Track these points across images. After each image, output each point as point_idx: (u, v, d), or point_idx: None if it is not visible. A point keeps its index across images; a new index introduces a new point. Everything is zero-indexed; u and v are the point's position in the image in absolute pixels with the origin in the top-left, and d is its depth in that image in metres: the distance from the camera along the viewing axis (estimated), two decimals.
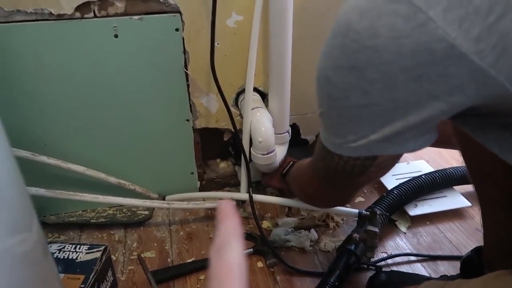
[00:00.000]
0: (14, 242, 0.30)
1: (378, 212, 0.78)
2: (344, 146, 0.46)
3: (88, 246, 0.71)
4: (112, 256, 0.80)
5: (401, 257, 0.81)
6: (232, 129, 0.87)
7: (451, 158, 1.10)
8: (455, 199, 0.93)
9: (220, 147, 0.99)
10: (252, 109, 0.83)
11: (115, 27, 0.77)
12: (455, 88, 0.36)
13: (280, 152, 0.87)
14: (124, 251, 0.84)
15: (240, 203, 0.92)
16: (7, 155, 0.32)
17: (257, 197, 0.86)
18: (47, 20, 0.74)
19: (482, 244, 0.68)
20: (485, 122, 0.41)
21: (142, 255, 0.82)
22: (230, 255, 0.21)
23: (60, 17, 0.74)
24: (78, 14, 0.75)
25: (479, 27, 0.33)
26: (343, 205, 0.81)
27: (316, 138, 0.99)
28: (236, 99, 0.91)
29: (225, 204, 0.24)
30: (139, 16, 0.77)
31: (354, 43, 0.37)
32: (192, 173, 0.97)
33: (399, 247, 0.84)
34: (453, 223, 0.90)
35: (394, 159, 0.53)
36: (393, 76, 0.37)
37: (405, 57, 0.36)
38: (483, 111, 0.39)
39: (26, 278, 0.32)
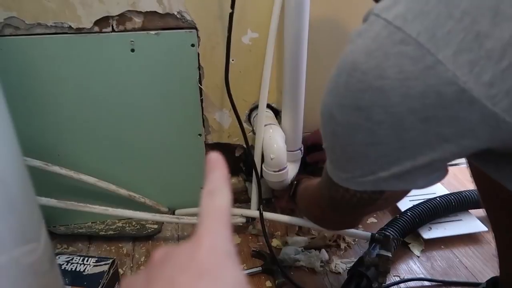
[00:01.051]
0: (22, 253, 0.30)
1: (391, 237, 0.76)
2: (350, 180, 0.44)
3: (96, 259, 0.70)
4: (120, 270, 0.80)
5: (415, 281, 0.79)
6: (244, 145, 0.86)
7: (466, 181, 1.07)
8: (471, 223, 0.91)
9: (231, 162, 0.98)
10: (265, 125, 0.83)
11: (132, 41, 0.78)
12: (466, 131, 0.35)
13: (292, 169, 0.87)
14: (131, 265, 0.84)
15: (250, 220, 0.91)
16: (19, 165, 0.32)
17: (268, 214, 0.85)
18: (66, 33, 0.76)
19: (498, 272, 0.66)
20: (499, 160, 0.39)
21: None
22: (221, 199, 0.23)
23: (79, 31, 0.76)
24: (96, 28, 0.76)
25: (491, 72, 0.32)
26: (350, 228, 0.80)
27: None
28: (249, 115, 0.91)
29: (214, 155, 0.25)
30: (156, 31, 0.78)
31: (359, 83, 0.36)
32: (202, 188, 0.96)
33: (412, 271, 0.81)
34: (469, 248, 0.87)
35: (402, 193, 0.51)
36: (401, 118, 0.36)
37: (413, 99, 0.34)
38: (497, 152, 0.38)
39: None
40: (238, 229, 0.92)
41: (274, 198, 0.96)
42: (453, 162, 0.51)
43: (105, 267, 0.68)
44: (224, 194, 0.23)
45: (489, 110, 0.33)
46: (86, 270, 0.68)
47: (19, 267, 0.29)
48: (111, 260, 0.70)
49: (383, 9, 0.36)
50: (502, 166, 0.40)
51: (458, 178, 1.09)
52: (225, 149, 0.94)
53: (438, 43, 0.33)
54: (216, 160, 0.25)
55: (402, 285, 0.78)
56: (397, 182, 0.41)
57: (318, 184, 0.57)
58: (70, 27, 0.75)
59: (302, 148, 0.90)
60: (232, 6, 0.72)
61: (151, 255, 0.22)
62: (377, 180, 0.42)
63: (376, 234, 0.78)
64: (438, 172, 0.42)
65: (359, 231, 0.83)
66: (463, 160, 0.62)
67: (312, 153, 0.91)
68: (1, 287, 0.27)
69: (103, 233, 0.91)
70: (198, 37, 0.80)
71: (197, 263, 0.19)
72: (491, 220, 0.64)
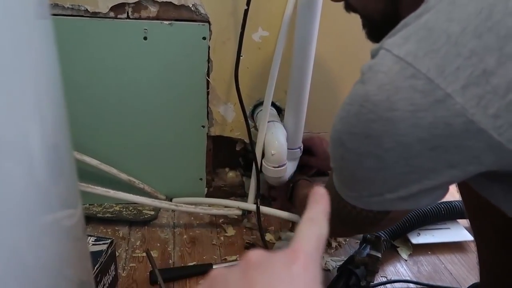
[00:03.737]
0: (64, 216, 0.32)
1: (382, 238, 0.79)
2: (358, 199, 0.47)
3: (95, 238, 0.72)
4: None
5: (401, 283, 0.82)
6: (246, 140, 0.88)
7: (456, 191, 1.10)
8: (458, 232, 0.94)
9: (231, 156, 1.00)
10: (268, 122, 0.85)
11: (146, 29, 0.80)
12: (472, 158, 0.38)
13: (290, 167, 0.89)
14: (127, 248, 0.85)
15: (245, 213, 0.93)
16: (67, 136, 0.35)
17: (264, 209, 0.87)
18: (82, 16, 0.77)
19: (479, 280, 0.69)
20: (489, 178, 0.42)
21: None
22: (320, 228, 0.25)
23: (94, 14, 0.77)
24: (112, 14, 0.78)
25: (497, 105, 0.35)
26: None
27: None
28: (253, 111, 0.93)
29: (321, 190, 0.27)
30: (169, 22, 0.80)
31: (370, 113, 0.39)
32: (201, 179, 0.98)
33: (399, 273, 0.84)
34: (455, 256, 0.90)
35: (405, 213, 0.53)
36: (409, 146, 0.38)
37: (422, 129, 0.37)
38: (494, 173, 0.40)
39: (68, 252, 0.33)
40: (233, 222, 0.94)
41: (271, 199, 0.98)
42: None
43: (104, 247, 0.70)
44: (323, 225, 0.25)
45: (494, 140, 0.36)
46: None
47: (61, 228, 0.32)
48: (109, 240, 0.72)
49: (394, 46, 0.38)
50: (488, 185, 0.43)
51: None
52: (227, 142, 0.96)
53: (447, 78, 0.35)
54: (322, 195, 0.27)
55: (388, 285, 0.81)
56: (403, 203, 0.44)
57: None
58: (86, 10, 0.76)
59: (301, 147, 0.92)
60: (248, 3, 0.74)
61: (247, 255, 0.23)
62: (383, 201, 0.44)
63: (368, 235, 0.81)
64: (440, 191, 0.44)
65: None
66: None
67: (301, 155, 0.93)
68: (46, 244, 0.29)
69: (100, 215, 0.92)
70: (210, 30, 0.82)
71: (293, 278, 0.21)
72: (473, 228, 0.67)
